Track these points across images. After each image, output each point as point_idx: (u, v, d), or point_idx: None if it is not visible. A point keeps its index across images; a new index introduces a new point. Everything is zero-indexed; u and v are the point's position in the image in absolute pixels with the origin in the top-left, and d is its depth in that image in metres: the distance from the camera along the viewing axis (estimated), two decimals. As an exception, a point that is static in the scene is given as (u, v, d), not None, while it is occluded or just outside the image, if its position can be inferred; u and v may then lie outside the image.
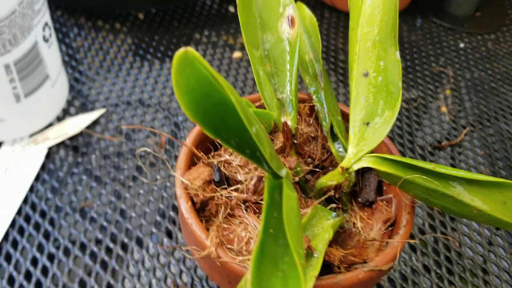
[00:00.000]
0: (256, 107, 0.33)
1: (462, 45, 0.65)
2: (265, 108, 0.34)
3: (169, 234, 0.41)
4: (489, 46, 0.66)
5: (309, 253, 0.26)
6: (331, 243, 0.29)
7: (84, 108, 0.51)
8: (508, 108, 0.57)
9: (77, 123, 0.48)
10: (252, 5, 0.32)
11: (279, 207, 0.23)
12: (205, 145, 0.32)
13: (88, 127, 0.49)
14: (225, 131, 0.20)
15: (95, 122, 0.49)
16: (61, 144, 0.47)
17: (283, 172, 0.23)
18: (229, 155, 0.31)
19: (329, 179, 0.29)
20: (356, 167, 0.28)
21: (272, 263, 0.20)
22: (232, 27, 0.64)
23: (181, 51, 0.18)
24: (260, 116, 0.28)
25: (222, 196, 0.29)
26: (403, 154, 0.51)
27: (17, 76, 0.40)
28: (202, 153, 0.31)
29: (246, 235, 0.29)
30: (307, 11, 0.37)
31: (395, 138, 0.52)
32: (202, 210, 0.30)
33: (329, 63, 0.60)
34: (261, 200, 0.30)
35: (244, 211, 0.29)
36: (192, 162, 0.31)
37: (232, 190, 0.29)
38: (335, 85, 0.58)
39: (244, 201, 0.30)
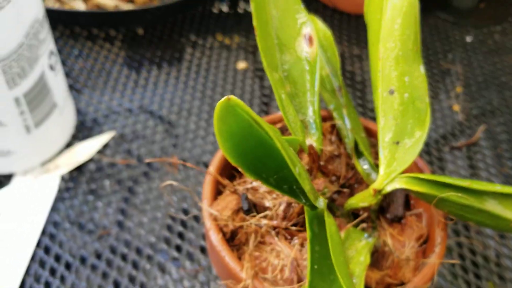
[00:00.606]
0: (279, 128, 0.33)
1: (469, 39, 0.65)
2: (287, 129, 0.33)
3: (190, 256, 0.41)
4: (496, 39, 0.65)
5: (347, 279, 0.25)
6: (365, 265, 0.29)
7: (92, 131, 0.50)
8: (520, 102, 0.57)
9: (87, 149, 0.47)
10: (268, 27, 0.31)
11: (319, 240, 0.23)
12: (229, 172, 0.32)
13: (99, 151, 0.48)
14: (264, 171, 0.20)
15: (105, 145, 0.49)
16: (74, 171, 0.46)
17: (321, 203, 0.23)
18: (255, 182, 0.30)
19: (360, 200, 0.29)
20: (389, 188, 0.27)
21: (321, 303, 0.20)
22: (227, 26, 0.63)
23: (223, 99, 0.17)
24: (288, 142, 0.27)
25: (251, 224, 0.29)
26: (421, 156, 0.50)
27: (27, 108, 0.39)
28: (227, 181, 0.30)
29: (279, 262, 0.28)
30: (320, 25, 0.36)
31: (410, 142, 0.51)
32: (232, 239, 0.29)
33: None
34: (292, 225, 0.29)
35: (275, 238, 0.29)
36: (217, 190, 0.31)
37: (261, 217, 0.29)
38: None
39: (274, 228, 0.29)
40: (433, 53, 0.62)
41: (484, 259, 0.42)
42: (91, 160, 0.47)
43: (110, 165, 0.47)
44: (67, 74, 0.56)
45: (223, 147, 0.17)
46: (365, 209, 0.31)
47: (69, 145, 0.48)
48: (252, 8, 0.29)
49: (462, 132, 0.53)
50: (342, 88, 0.33)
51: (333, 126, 0.34)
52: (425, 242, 0.31)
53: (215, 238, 0.28)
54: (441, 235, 0.29)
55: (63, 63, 0.58)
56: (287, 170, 0.20)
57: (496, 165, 0.50)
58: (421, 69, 0.29)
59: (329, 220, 0.22)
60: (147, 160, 0.47)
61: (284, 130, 0.33)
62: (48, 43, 0.41)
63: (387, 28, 0.30)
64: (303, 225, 0.29)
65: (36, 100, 0.40)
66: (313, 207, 0.23)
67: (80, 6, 0.59)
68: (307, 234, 0.21)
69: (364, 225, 0.31)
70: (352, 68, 0.60)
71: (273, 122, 0.33)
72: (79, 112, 0.52)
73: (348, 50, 0.62)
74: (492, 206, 0.27)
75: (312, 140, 0.30)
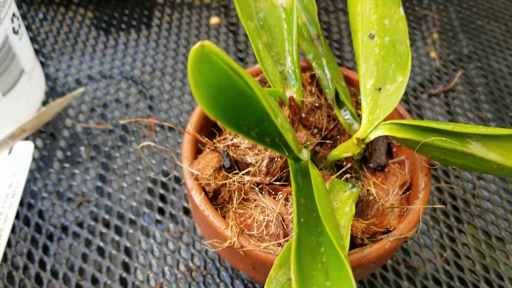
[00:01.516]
0: (258, 80, 0.32)
1: (443, -16, 0.63)
2: (265, 82, 0.32)
3: (174, 219, 0.40)
4: (471, -17, 0.64)
5: (333, 230, 0.25)
6: (351, 215, 0.28)
7: (62, 94, 0.48)
8: (497, 45, 0.57)
9: (52, 108, 0.45)
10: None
11: (305, 192, 0.22)
12: (208, 129, 0.31)
13: (67, 113, 0.46)
14: (245, 123, 0.19)
15: (72, 108, 0.47)
16: (47, 139, 0.45)
17: (305, 155, 0.22)
18: (236, 138, 0.30)
19: (343, 151, 0.28)
20: (372, 136, 0.27)
21: (310, 256, 0.19)
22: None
23: (197, 45, 0.16)
24: (270, 94, 0.26)
25: (234, 182, 0.28)
26: (399, 106, 0.50)
27: (-9, 74, 0.37)
28: (206, 139, 0.29)
29: (264, 218, 0.28)
30: (294, -29, 0.35)
31: (388, 91, 0.51)
32: (215, 198, 0.29)
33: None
34: (275, 180, 0.28)
35: (259, 194, 0.28)
36: (197, 149, 0.30)
37: (243, 174, 0.28)
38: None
39: (257, 184, 0.29)
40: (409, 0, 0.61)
41: (464, 203, 0.43)
42: (64, 127, 0.46)
43: (85, 131, 0.46)
44: (33, 39, 0.54)
45: (199, 100, 0.16)
46: (348, 159, 0.31)
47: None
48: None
49: (440, 79, 0.53)
50: (321, 36, 0.32)
51: (313, 76, 0.33)
52: (408, 189, 0.31)
53: (197, 197, 0.27)
54: (425, 180, 0.29)
55: (28, 28, 0.55)
56: (269, 121, 0.19)
57: (474, 109, 0.50)
58: (401, 11, 0.28)
59: (313, 171, 0.21)
60: (122, 122, 0.46)
61: (263, 83, 0.32)
62: (9, 5, 0.38)
63: (364, -30, 0.28)
64: (287, 179, 0.29)
65: (2, 66, 0.38)
66: (297, 160, 0.22)
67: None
68: (292, 187, 0.21)
69: (347, 176, 0.30)
70: (328, 18, 0.59)
71: (253, 74, 0.32)
72: (48, 77, 0.50)
73: (326, 7, 0.61)
74: (476, 148, 0.26)
75: (292, 91, 0.29)
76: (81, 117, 0.47)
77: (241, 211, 0.28)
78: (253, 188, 0.28)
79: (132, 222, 0.40)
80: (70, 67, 0.51)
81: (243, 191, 0.28)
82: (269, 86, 0.28)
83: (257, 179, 0.28)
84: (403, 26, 0.28)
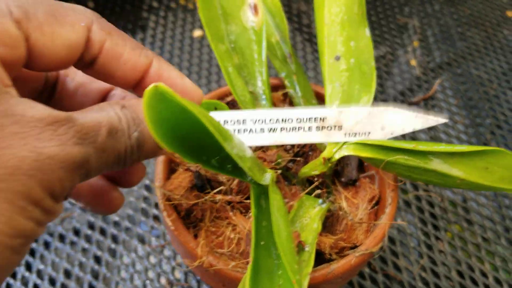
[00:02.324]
0: (228, 102, 0.32)
1: (424, -9, 0.64)
2: (236, 103, 0.33)
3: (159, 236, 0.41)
4: (452, -11, 0.65)
5: (300, 247, 0.26)
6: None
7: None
8: (476, 52, 0.57)
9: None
10: (211, -2, 0.30)
11: (267, 215, 0.23)
12: (182, 149, 0.31)
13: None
14: (204, 153, 0.19)
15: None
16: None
17: (267, 179, 0.23)
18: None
19: (312, 169, 0.29)
20: (337, 156, 0.28)
21: (268, 278, 0.20)
22: None
23: (151, 87, 0.17)
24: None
25: (206, 201, 0.29)
26: (379, 115, 0.51)
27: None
28: (180, 158, 0.30)
29: (235, 236, 0.29)
30: (267, -10, 0.35)
31: (369, 100, 0.52)
32: (188, 216, 0.30)
33: (293, 24, 0.59)
34: (246, 199, 0.29)
35: (230, 212, 0.29)
36: (170, 168, 0.31)
37: (215, 193, 0.29)
38: (301, 45, 0.57)
39: (229, 202, 0.29)
40: (390, 7, 0.62)
41: (442, 210, 0.44)
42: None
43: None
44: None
45: (156, 135, 0.17)
46: (319, 175, 0.32)
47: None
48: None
49: (420, 87, 0.54)
50: (292, 56, 0.32)
51: (286, 94, 0.34)
52: (378, 203, 0.32)
53: (168, 218, 0.28)
54: (392, 195, 0.30)
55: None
56: (225, 152, 0.20)
57: (453, 116, 0.51)
58: (367, 32, 0.29)
59: (273, 196, 0.22)
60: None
61: (231, 106, 0.33)
62: None
63: (331, -8, 0.29)
64: (258, 196, 0.30)
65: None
66: (259, 184, 0.23)
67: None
68: (252, 211, 0.22)
69: (319, 191, 0.31)
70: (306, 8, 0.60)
71: (224, 95, 0.33)
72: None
73: (307, 10, 0.62)
74: (439, 165, 0.27)
75: (262, 111, 0.30)
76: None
77: (214, 229, 0.29)
78: (224, 206, 0.29)
79: (114, 238, 0.41)
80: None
81: (215, 209, 0.29)
82: (239, 107, 0.29)
83: (228, 197, 0.29)
84: (368, 47, 0.29)
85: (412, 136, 0.48)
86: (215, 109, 0.28)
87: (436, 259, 0.41)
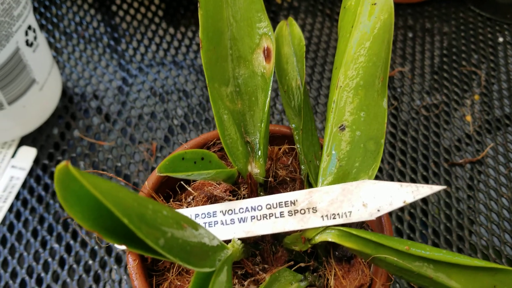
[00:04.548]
0: (221, 148, 0.30)
1: (501, 39, 0.58)
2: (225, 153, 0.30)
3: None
4: (533, 41, 0.58)
5: None
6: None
7: (77, 106, 0.49)
8: (544, 119, 0.51)
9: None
10: (223, 36, 0.28)
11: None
12: (165, 190, 0.30)
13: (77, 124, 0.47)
14: (134, 235, 0.17)
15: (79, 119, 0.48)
16: (48, 141, 0.46)
17: (216, 263, 0.21)
18: (191, 200, 0.28)
19: (293, 243, 0.26)
20: (318, 238, 0.24)
21: None
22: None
23: (61, 165, 0.15)
24: (218, 175, 0.25)
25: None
26: (415, 171, 0.46)
27: (-5, 86, 0.38)
28: (162, 199, 0.29)
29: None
30: (297, 30, 0.33)
31: (407, 152, 0.47)
32: (155, 263, 0.28)
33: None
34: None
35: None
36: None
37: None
38: (319, 76, 0.53)
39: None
40: (458, 52, 0.57)
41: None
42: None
43: (89, 146, 0.46)
44: (58, 51, 0.55)
45: (71, 213, 0.15)
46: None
47: (48, 122, 0.47)
48: (200, 18, 0.26)
49: (469, 146, 0.48)
50: (302, 109, 0.29)
51: (293, 148, 0.31)
52: (366, 291, 0.28)
53: (131, 264, 0.26)
54: (381, 291, 0.27)
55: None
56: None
57: (499, 187, 0.45)
58: (384, 103, 0.26)
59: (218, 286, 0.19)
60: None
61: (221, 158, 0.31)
62: (24, 19, 0.39)
63: (352, 52, 0.26)
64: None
65: (8, 77, 0.39)
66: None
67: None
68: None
69: (301, 264, 0.28)
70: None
71: (216, 139, 0.31)
72: (66, 86, 0.51)
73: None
74: (435, 273, 0.24)
75: (256, 165, 0.28)
76: (90, 131, 0.47)
77: (179, 283, 0.27)
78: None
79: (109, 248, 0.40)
80: (92, 77, 0.52)
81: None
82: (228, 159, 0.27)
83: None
84: (381, 122, 0.25)
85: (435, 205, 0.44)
86: (202, 159, 0.25)
87: None
